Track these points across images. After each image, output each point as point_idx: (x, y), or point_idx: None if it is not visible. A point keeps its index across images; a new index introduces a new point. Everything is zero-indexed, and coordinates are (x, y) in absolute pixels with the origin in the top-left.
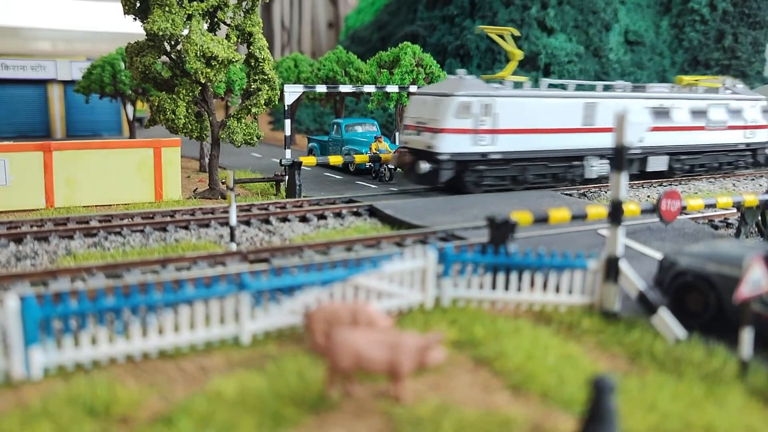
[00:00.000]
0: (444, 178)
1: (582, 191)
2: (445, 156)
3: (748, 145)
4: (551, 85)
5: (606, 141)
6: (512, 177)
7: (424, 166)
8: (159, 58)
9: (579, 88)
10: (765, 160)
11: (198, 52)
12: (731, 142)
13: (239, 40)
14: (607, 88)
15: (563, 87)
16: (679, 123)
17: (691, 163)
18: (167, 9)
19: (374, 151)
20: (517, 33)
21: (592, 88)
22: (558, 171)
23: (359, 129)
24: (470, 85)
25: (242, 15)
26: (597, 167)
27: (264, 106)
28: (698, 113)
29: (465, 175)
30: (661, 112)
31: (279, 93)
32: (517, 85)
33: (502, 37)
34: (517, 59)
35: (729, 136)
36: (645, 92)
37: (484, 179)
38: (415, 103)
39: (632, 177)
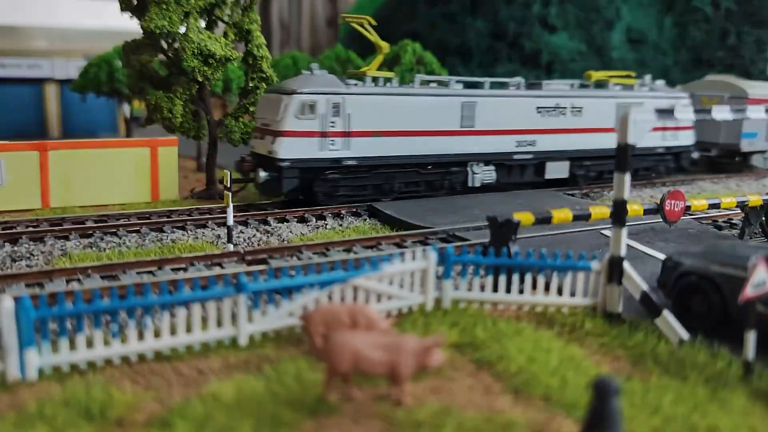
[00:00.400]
0: (287, 187)
1: (584, 191)
2: (286, 162)
3: (668, 148)
4: (427, 82)
5: (491, 145)
6: (375, 186)
7: (263, 175)
8: (156, 56)
9: (463, 85)
10: (690, 165)
11: (195, 50)
12: (648, 146)
13: (237, 38)
14: (495, 85)
15: (444, 84)
16: (581, 124)
17: (599, 170)
18: (164, 6)
19: None
20: (374, 22)
21: (479, 85)
22: (434, 178)
23: None
24: (317, 82)
25: (240, 12)
26: (480, 174)
27: None
28: (605, 113)
29: (315, 185)
30: (558, 113)
31: None
32: (385, 81)
33: (362, 26)
34: (384, 52)
35: (644, 139)
36: (538, 90)
37: (339, 189)
38: (261, 102)
39: (525, 185)
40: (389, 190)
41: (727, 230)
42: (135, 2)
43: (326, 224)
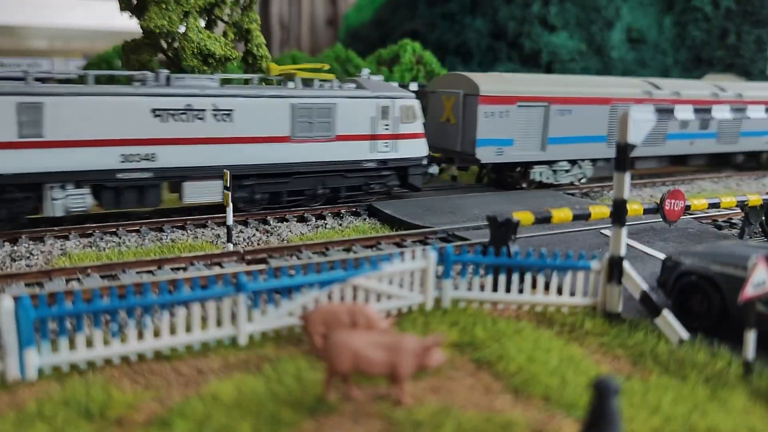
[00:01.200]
0: None
1: (584, 191)
2: None
3: (384, 162)
4: None
5: (76, 160)
6: None
7: None
8: (155, 55)
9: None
10: (423, 182)
11: (195, 50)
12: (349, 159)
13: (237, 38)
14: (100, 80)
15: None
16: (233, 132)
17: (269, 190)
18: (164, 6)
19: None
20: None
21: (79, 80)
22: None
23: None
24: None
25: (240, 12)
26: (64, 200)
27: None
28: (273, 117)
29: None
30: (191, 117)
31: None
32: None
33: None
34: None
35: (343, 150)
36: (154, 88)
37: None
38: None
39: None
40: None
41: (727, 230)
42: (134, 2)
43: (326, 224)
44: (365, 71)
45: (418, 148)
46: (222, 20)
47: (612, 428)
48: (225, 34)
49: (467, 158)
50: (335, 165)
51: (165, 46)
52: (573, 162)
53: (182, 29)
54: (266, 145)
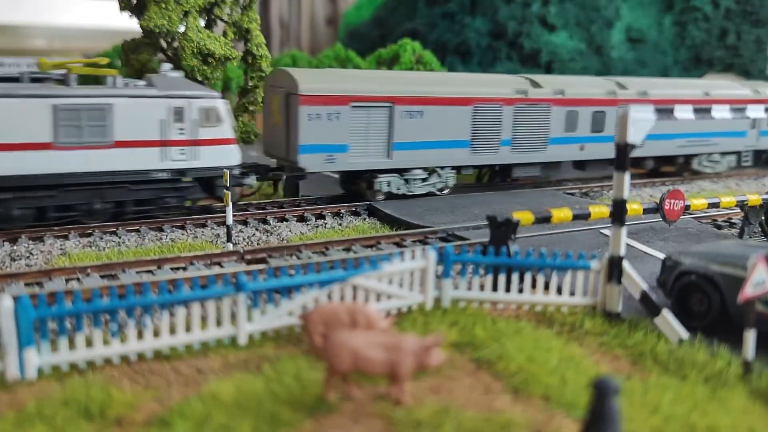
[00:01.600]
0: None
1: (584, 190)
2: None
3: (181, 172)
4: None
5: None
6: None
7: None
8: (155, 55)
9: None
10: (235, 196)
11: (194, 49)
12: (133, 169)
13: (236, 37)
14: None
15: None
16: None
17: (31, 205)
18: (164, 5)
19: None
20: None
21: None
22: None
23: None
24: None
25: (239, 11)
26: None
27: (261, 104)
28: (34, 120)
29: None
30: None
31: None
32: None
33: None
34: None
35: (124, 159)
36: None
37: None
38: None
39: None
40: None
41: (726, 229)
42: (134, 1)
43: (326, 223)
44: (165, 66)
45: (226, 156)
46: (222, 20)
47: (612, 428)
48: (225, 34)
49: (292, 165)
50: (115, 176)
51: (165, 45)
52: (431, 170)
53: (182, 29)
54: (20, 153)
